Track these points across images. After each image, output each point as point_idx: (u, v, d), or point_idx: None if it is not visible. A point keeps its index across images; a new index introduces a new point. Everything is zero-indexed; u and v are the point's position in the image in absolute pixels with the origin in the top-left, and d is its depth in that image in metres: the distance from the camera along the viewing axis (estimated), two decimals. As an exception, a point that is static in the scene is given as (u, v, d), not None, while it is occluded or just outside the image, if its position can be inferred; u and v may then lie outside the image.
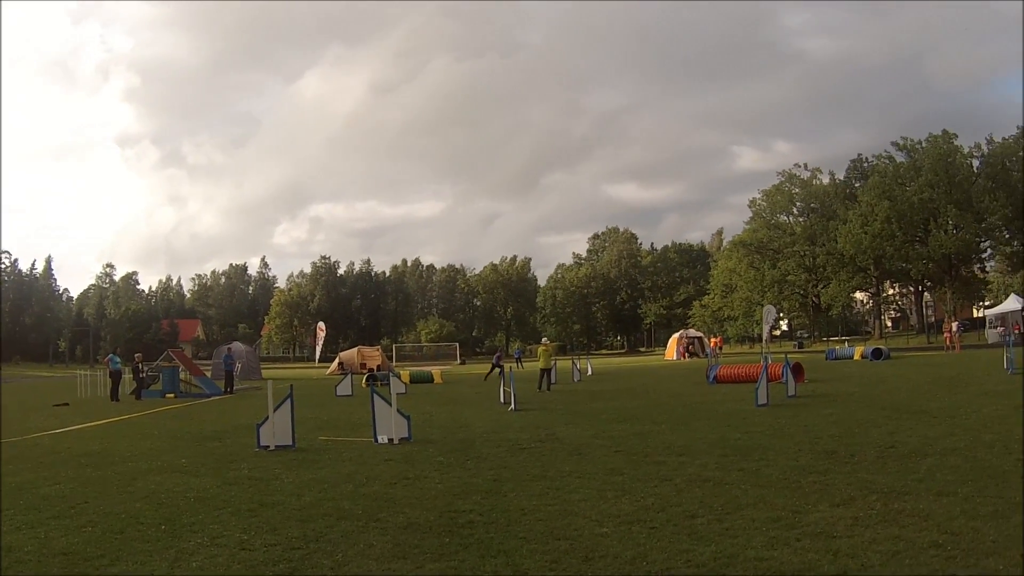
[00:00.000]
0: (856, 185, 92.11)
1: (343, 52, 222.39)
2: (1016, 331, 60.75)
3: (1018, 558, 6.25)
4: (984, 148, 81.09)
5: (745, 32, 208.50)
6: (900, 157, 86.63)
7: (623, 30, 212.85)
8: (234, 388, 37.47)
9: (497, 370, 38.92)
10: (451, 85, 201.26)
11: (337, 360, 62.22)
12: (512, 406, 22.11)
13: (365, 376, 38.81)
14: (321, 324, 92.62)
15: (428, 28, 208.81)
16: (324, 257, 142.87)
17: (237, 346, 59.41)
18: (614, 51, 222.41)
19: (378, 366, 54.55)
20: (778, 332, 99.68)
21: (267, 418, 14.67)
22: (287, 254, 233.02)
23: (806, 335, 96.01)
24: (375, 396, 15.63)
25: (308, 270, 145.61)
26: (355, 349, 66.28)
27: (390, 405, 15.24)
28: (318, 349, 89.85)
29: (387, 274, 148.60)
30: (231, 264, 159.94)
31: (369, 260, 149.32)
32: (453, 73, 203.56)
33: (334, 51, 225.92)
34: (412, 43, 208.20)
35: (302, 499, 9.72)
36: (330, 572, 6.65)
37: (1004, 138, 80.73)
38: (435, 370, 47.81)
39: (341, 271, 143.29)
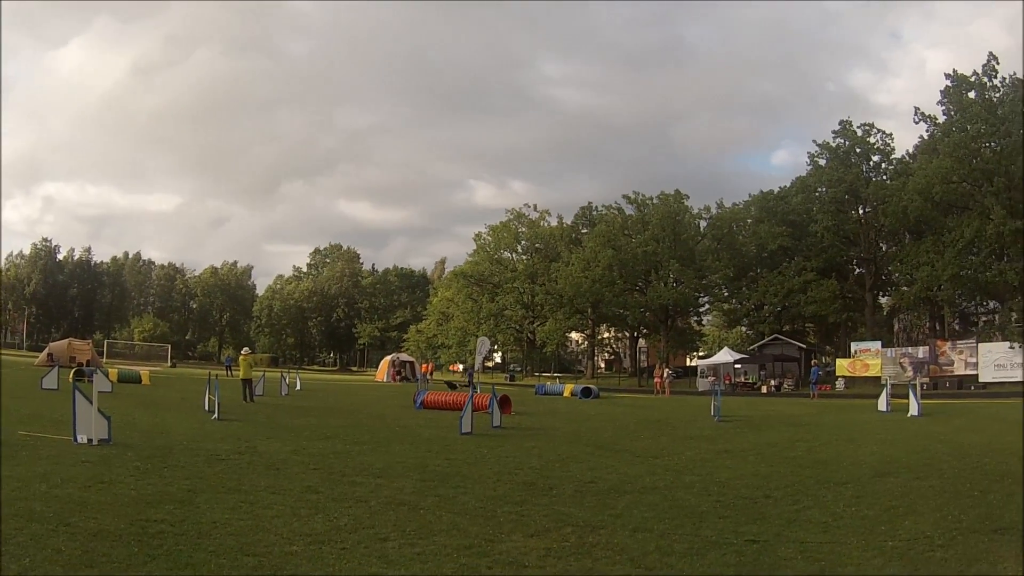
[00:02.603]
0: (583, 231, 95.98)
1: (113, 25, 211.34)
2: (727, 381, 65.00)
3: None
4: (713, 210, 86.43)
5: (501, 73, 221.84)
6: (629, 210, 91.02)
7: (386, 53, 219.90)
8: None
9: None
10: (212, 79, 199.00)
11: (47, 351, 59.79)
12: (216, 415, 21.79)
13: (73, 370, 36.57)
14: (24, 311, 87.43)
15: (203, 15, 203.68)
16: (45, 239, 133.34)
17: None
18: (374, 72, 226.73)
19: (87, 360, 53.34)
20: (491, 364, 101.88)
21: None
22: (14, 232, 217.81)
23: (519, 369, 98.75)
24: (77, 393, 15.09)
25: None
26: (66, 341, 64.96)
27: (91, 403, 14.84)
28: (23, 335, 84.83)
29: (106, 265, 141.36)
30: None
31: (90, 248, 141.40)
32: (217, 66, 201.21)
33: (104, 22, 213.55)
34: (185, 28, 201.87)
35: None
36: None
37: (734, 203, 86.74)
38: (144, 371, 46.84)
39: (61, 256, 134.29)
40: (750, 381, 68.58)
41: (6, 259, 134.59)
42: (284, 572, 6.80)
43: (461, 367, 52.29)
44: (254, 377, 32.64)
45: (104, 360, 69.99)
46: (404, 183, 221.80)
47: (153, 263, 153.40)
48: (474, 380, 49.42)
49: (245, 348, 38.45)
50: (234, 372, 58.13)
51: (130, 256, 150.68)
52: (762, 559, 7.62)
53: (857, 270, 78.55)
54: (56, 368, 34.35)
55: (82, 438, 14.57)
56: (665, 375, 56.91)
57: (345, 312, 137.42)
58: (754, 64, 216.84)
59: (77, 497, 9.57)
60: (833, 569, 7.24)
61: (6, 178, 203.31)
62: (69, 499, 9.42)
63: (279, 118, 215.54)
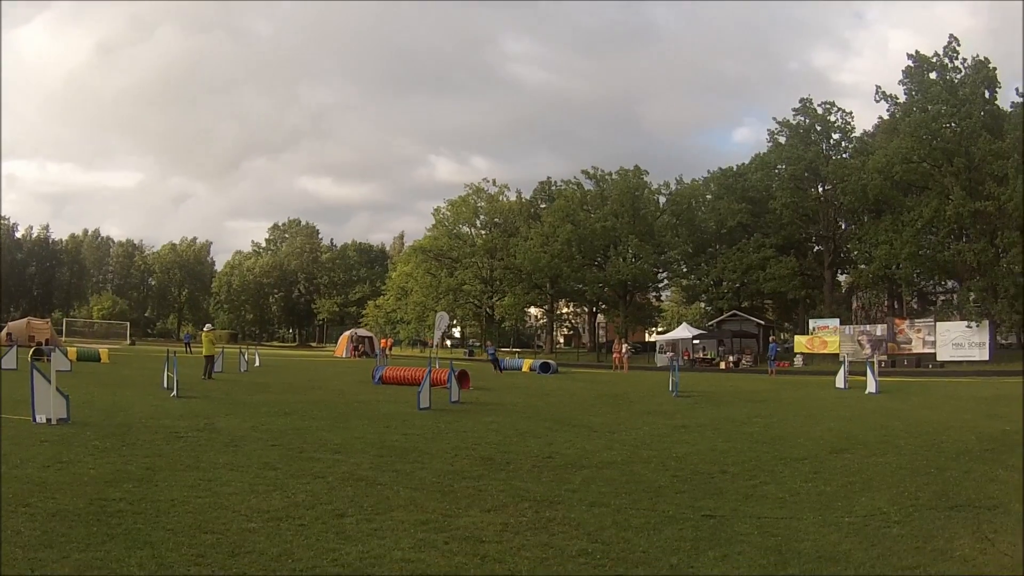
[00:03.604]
0: (542, 206, 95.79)
1: (77, 4, 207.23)
2: (685, 357, 65.36)
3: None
4: (673, 186, 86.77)
5: (464, 51, 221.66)
6: (588, 185, 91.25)
7: (348, 31, 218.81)
8: None
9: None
10: (174, 56, 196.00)
11: (5, 330, 59.67)
12: (175, 392, 21.74)
13: (32, 350, 36.12)
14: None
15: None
16: (3, 218, 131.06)
17: None
18: (337, 50, 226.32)
19: (47, 340, 53.40)
20: (450, 342, 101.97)
21: None
22: None
23: (477, 344, 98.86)
24: (35, 372, 15.04)
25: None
26: (25, 320, 65.50)
27: (50, 383, 14.76)
28: None
29: (65, 243, 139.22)
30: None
31: (48, 226, 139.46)
32: (180, 44, 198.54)
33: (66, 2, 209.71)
34: (148, 7, 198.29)
35: None
36: None
37: (693, 179, 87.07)
38: (103, 349, 46.32)
39: (19, 234, 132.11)
40: (709, 357, 69.14)
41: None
42: (242, 549, 6.74)
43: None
44: (215, 354, 32.51)
45: (63, 339, 69.65)
46: (366, 160, 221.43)
47: (112, 240, 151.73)
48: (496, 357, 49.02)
49: (207, 325, 38.21)
50: (193, 349, 57.84)
51: (89, 233, 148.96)
52: (719, 534, 7.64)
53: (816, 247, 79.30)
54: (15, 348, 33.82)
55: (41, 418, 14.49)
56: (623, 350, 57.21)
57: (305, 287, 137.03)
58: (717, 43, 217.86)
59: (36, 477, 9.52)
60: (789, 544, 7.27)
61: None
62: (28, 479, 9.38)
63: (242, 97, 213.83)
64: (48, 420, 14.40)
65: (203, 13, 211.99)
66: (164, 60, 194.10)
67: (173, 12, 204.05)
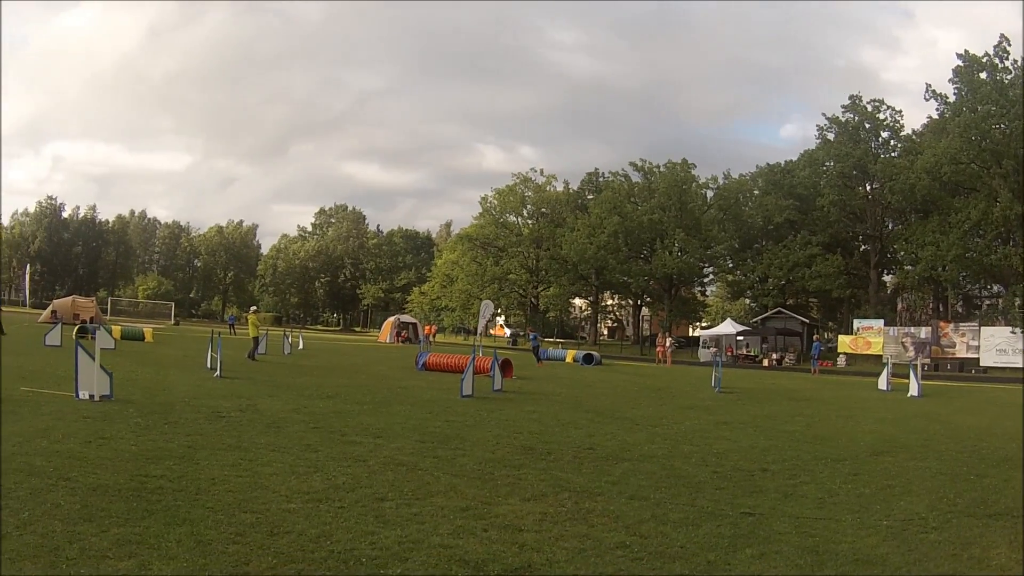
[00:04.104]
0: (589, 197, 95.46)
1: None
2: (728, 353, 65.00)
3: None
4: (720, 181, 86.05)
5: (511, 39, 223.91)
6: (636, 177, 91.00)
7: (396, 17, 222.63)
8: None
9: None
10: (224, 39, 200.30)
11: (51, 308, 60.08)
12: (218, 373, 21.84)
13: (76, 327, 36.61)
14: (29, 268, 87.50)
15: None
16: (50, 198, 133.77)
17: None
18: (385, 36, 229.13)
19: (91, 318, 53.52)
20: (493, 330, 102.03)
21: None
22: (21, 191, 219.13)
23: (521, 333, 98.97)
24: (79, 349, 15.12)
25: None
26: (70, 298, 65.09)
27: (94, 360, 14.87)
28: (27, 292, 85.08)
29: (112, 223, 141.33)
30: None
31: (95, 207, 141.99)
32: (230, 27, 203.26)
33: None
34: None
35: None
36: (15, 531, 6.32)
37: (741, 174, 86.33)
38: (147, 328, 46.40)
39: (66, 214, 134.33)
40: (752, 354, 68.64)
41: (11, 217, 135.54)
42: (281, 529, 6.76)
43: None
44: (259, 336, 32.87)
45: (107, 317, 70.13)
46: (413, 146, 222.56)
47: (158, 221, 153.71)
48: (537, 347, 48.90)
49: (253, 307, 38.54)
50: (237, 331, 58.25)
51: (135, 214, 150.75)
52: (757, 532, 7.61)
53: (863, 247, 78.61)
54: (59, 325, 34.37)
55: (84, 394, 14.58)
56: (667, 344, 56.85)
57: (351, 272, 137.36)
58: (765, 37, 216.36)
59: (77, 452, 9.59)
60: (827, 545, 7.22)
61: (16, 137, 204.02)
62: (69, 454, 9.44)
63: (290, 80, 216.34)
64: (91, 397, 14.51)
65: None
66: (213, 43, 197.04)
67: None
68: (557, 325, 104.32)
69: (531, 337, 49.93)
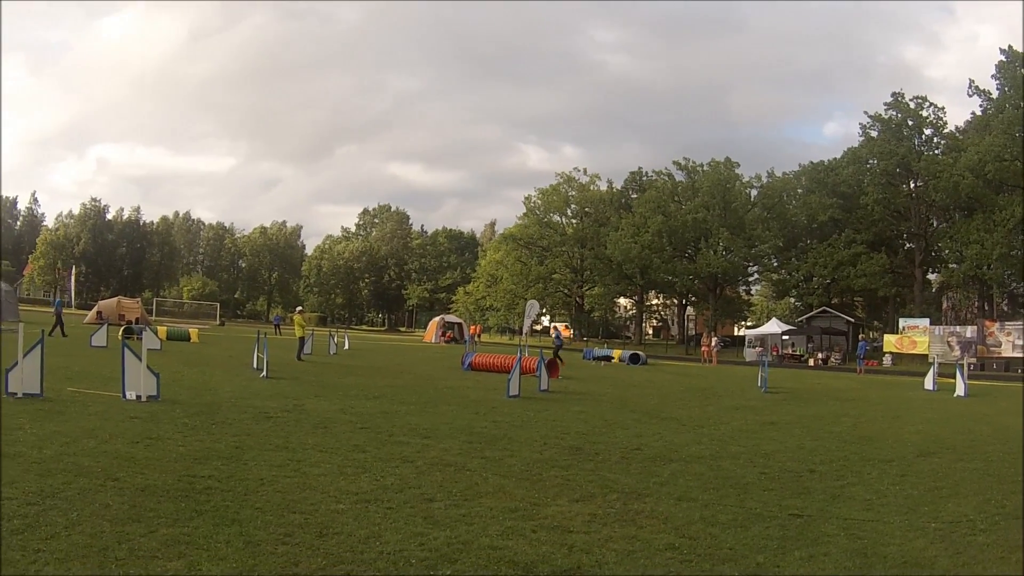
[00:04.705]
0: (633, 196, 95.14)
1: None
2: (774, 352, 64.56)
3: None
4: (764, 179, 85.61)
5: (553, 39, 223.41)
6: (679, 176, 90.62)
7: (437, 18, 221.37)
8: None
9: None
10: (266, 42, 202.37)
11: (96, 309, 61.35)
12: (264, 373, 21.88)
13: (122, 328, 37.04)
14: (73, 270, 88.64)
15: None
16: (94, 199, 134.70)
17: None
18: (425, 37, 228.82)
19: (136, 319, 53.79)
20: (539, 327, 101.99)
21: (16, 363, 14.01)
22: (66, 193, 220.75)
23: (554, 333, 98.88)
24: (126, 350, 15.21)
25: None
26: (115, 299, 65.72)
27: (140, 361, 14.92)
28: (72, 294, 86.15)
29: (155, 224, 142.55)
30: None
31: (139, 208, 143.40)
32: (270, 31, 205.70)
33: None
34: None
35: (43, 452, 9.40)
36: (63, 531, 6.36)
37: (784, 173, 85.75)
38: (193, 329, 46.77)
39: (110, 216, 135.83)
40: (797, 353, 68.08)
41: (55, 219, 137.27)
42: (330, 530, 6.79)
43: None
44: (305, 336, 32.97)
45: (153, 318, 70.33)
46: (455, 147, 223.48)
47: (202, 223, 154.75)
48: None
49: (299, 307, 38.71)
50: (283, 331, 58.59)
51: (179, 216, 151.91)
52: (805, 534, 7.57)
53: (907, 245, 77.72)
54: (105, 326, 34.50)
55: (130, 395, 14.66)
56: (713, 344, 56.53)
57: (396, 273, 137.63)
58: (806, 36, 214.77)
59: (125, 453, 9.67)
60: (875, 547, 7.18)
61: (59, 140, 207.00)
62: (117, 455, 9.51)
63: (330, 82, 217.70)
64: (138, 397, 14.57)
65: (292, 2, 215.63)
66: (253, 47, 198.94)
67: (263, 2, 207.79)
68: (602, 325, 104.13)
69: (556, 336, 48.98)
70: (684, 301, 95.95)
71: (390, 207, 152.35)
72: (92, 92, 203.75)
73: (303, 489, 8.33)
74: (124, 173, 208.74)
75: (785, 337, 71.08)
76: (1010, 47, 61.13)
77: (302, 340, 31.92)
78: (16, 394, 13.76)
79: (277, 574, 5.75)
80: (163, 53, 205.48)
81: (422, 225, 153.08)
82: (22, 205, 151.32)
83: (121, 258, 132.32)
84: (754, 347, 69.73)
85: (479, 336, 72.96)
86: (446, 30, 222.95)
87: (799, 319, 78.51)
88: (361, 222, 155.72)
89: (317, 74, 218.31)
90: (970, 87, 65.45)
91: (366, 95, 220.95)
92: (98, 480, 8.11)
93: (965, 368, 32.59)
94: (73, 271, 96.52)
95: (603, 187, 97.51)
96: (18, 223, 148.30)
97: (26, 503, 7.08)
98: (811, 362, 63.36)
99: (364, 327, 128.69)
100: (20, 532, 6.24)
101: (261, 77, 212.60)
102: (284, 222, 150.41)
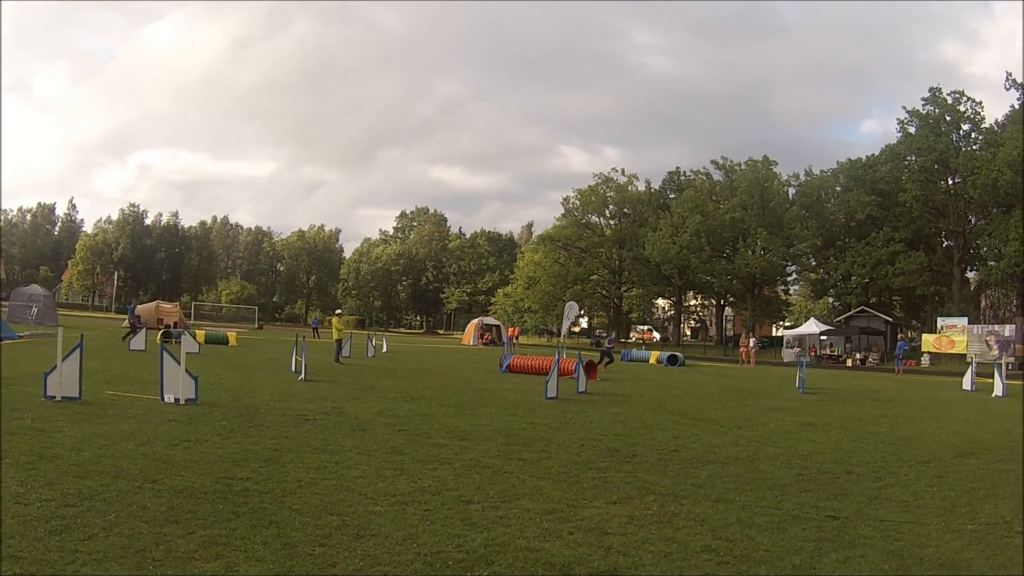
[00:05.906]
0: (671, 196, 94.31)
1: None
2: (812, 353, 64.05)
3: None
4: (802, 178, 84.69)
5: (594, 41, 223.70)
6: (717, 175, 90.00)
7: (478, 22, 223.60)
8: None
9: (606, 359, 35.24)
10: (309, 49, 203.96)
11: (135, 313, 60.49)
12: (302, 376, 21.93)
13: (160, 332, 37.41)
14: (114, 274, 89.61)
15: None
16: (133, 205, 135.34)
17: (34, 289, 56.63)
18: (467, 41, 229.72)
19: (175, 323, 54.47)
20: (577, 329, 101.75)
21: (55, 367, 14.23)
22: (106, 199, 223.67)
23: (604, 334, 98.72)
24: (165, 354, 15.38)
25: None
26: (154, 303, 66.00)
27: (179, 364, 15.04)
28: (113, 298, 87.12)
29: (194, 229, 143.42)
30: (39, 203, 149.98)
31: (178, 213, 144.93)
32: (316, 37, 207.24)
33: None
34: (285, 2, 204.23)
35: (81, 454, 9.52)
36: (101, 532, 6.44)
37: (822, 171, 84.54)
38: (231, 332, 46.96)
39: (149, 221, 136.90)
40: (835, 353, 67.42)
41: (94, 224, 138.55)
42: (367, 532, 6.86)
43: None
44: (343, 338, 33.05)
45: (191, 322, 71.16)
46: (497, 149, 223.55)
47: (240, 227, 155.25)
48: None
49: (338, 310, 38.87)
50: (321, 334, 58.85)
51: (218, 220, 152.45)
52: (842, 535, 7.56)
53: (945, 243, 76.73)
54: (144, 330, 34.81)
55: (169, 398, 14.81)
56: (751, 344, 56.10)
57: (434, 275, 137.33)
58: (843, 34, 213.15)
59: (163, 455, 9.75)
60: (912, 550, 7.15)
61: (101, 147, 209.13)
62: (155, 457, 9.60)
63: (374, 87, 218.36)
64: (176, 400, 14.68)
65: (340, 6, 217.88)
66: (298, 53, 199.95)
67: (308, 7, 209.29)
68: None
69: (609, 340, 48.51)
70: (722, 301, 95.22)
71: (428, 209, 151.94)
72: (136, 99, 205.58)
73: (341, 491, 8.38)
74: (167, 179, 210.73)
75: (823, 337, 70.39)
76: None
77: (339, 343, 32.03)
78: (55, 397, 13.96)
79: (314, 575, 5.80)
80: (208, 60, 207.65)
81: (460, 227, 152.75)
82: (60, 211, 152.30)
83: (160, 262, 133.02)
84: (792, 347, 69.12)
85: (516, 338, 72.87)
86: (490, 34, 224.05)
87: (837, 319, 77.81)
88: (399, 225, 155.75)
89: (361, 79, 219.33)
90: (1007, 79, 64.76)
91: (410, 100, 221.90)
92: (136, 482, 8.22)
93: (1003, 367, 32.20)
94: (115, 276, 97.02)
95: (641, 187, 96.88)
96: (57, 229, 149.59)
97: (64, 504, 7.17)
98: (849, 362, 62.70)
99: (402, 330, 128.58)
100: (58, 533, 6.32)
101: (304, 83, 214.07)
102: (322, 225, 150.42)
